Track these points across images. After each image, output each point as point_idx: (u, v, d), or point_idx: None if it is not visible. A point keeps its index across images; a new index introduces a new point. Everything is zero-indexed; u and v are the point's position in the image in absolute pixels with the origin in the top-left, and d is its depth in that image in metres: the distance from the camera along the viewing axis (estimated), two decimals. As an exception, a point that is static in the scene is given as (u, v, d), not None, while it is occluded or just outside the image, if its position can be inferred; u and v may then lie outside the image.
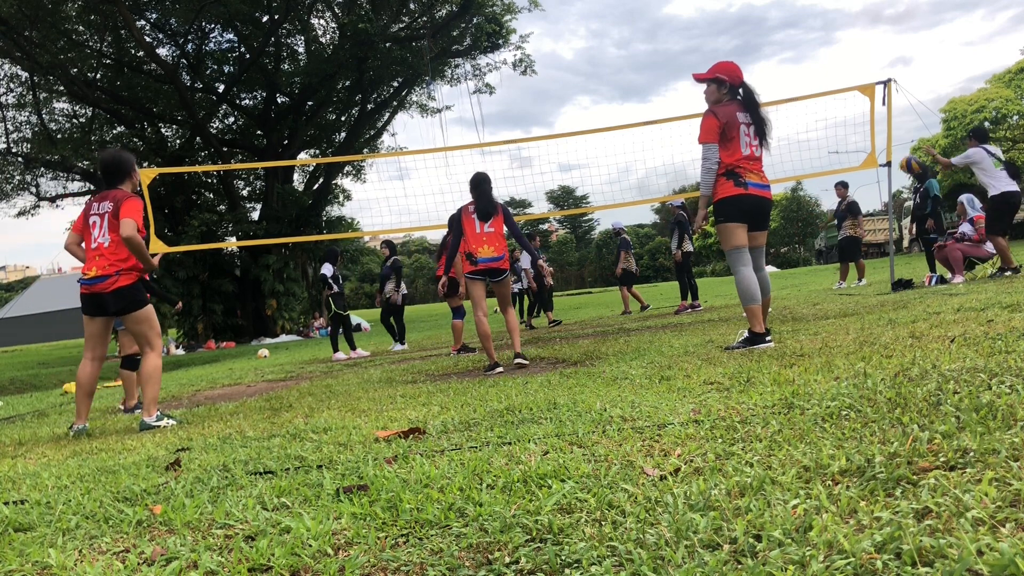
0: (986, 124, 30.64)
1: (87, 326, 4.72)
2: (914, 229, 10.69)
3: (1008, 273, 8.32)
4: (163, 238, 16.19)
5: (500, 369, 5.62)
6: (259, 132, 25.18)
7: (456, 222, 6.13)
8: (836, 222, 12.65)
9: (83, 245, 4.72)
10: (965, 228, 9.12)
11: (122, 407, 6.20)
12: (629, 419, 2.68)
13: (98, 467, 3.09)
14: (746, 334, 4.74)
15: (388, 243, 11.28)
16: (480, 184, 6.00)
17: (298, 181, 26.84)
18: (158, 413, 4.62)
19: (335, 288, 10.47)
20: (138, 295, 4.62)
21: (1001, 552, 1.18)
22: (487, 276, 5.95)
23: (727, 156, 4.78)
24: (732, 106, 4.79)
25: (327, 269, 10.53)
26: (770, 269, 9.68)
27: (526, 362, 5.79)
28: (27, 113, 23.06)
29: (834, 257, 39.96)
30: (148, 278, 4.86)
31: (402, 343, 11.03)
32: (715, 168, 4.80)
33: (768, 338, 4.64)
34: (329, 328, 12.12)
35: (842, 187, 12.34)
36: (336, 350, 10.59)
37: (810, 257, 51.41)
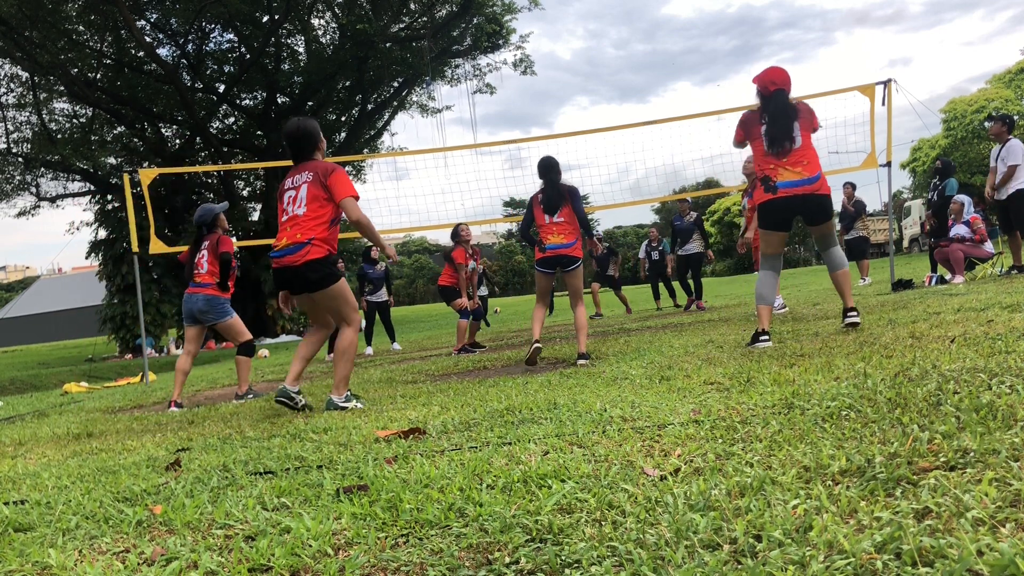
0: (986, 125, 30.62)
1: (300, 304, 4.44)
2: (928, 225, 10.65)
3: (1014, 271, 8.32)
4: (163, 238, 16.20)
5: (538, 346, 5.60)
6: (259, 132, 25.18)
7: (528, 208, 5.94)
8: (842, 222, 12.65)
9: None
10: (962, 230, 9.10)
11: (236, 395, 6.05)
12: (629, 419, 2.68)
13: (98, 467, 3.09)
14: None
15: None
16: (548, 171, 5.73)
17: (298, 181, 26.80)
18: (348, 393, 4.33)
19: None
20: (331, 268, 4.26)
21: (1001, 552, 1.18)
22: (556, 265, 5.69)
23: (758, 160, 4.86)
24: (757, 112, 4.91)
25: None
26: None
27: (585, 363, 5.29)
28: (27, 113, 23.07)
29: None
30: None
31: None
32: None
33: (763, 338, 4.67)
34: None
35: (850, 187, 12.36)
36: (369, 344, 11.11)
37: (810, 257, 51.39)
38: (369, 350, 11.00)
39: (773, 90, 4.88)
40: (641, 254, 13.87)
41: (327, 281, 4.25)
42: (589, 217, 6.15)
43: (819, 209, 4.79)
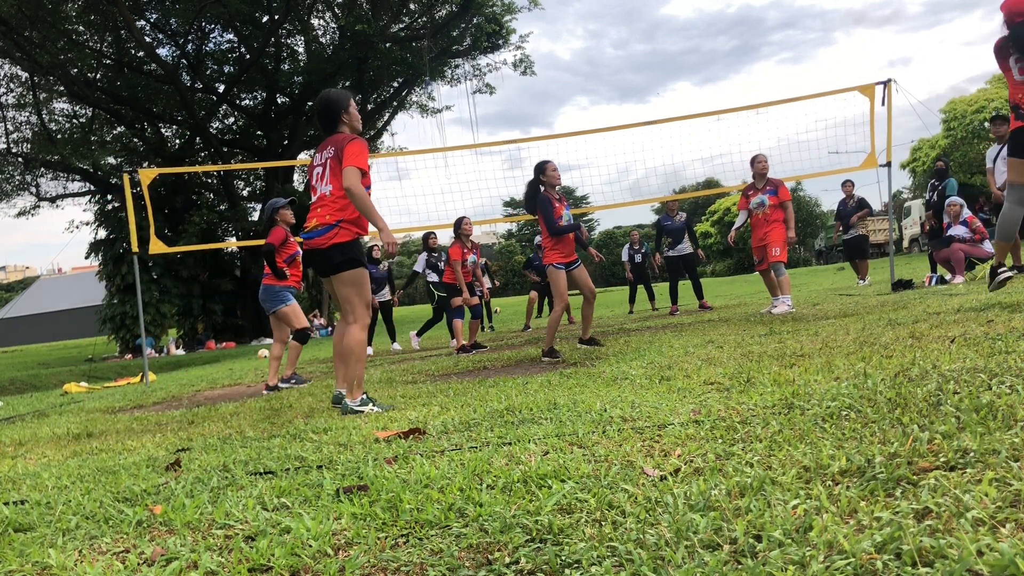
0: (986, 125, 30.64)
1: (326, 286, 4.35)
2: (927, 226, 10.66)
3: (1014, 272, 8.31)
4: (163, 238, 16.20)
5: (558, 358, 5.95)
6: (259, 132, 25.17)
7: None
8: (839, 220, 12.60)
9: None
10: (961, 230, 9.09)
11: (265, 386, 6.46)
12: (629, 419, 2.68)
13: (98, 467, 3.09)
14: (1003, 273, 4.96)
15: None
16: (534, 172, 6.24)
17: (298, 181, 26.82)
18: (363, 396, 4.12)
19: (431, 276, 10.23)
20: (355, 253, 4.14)
21: (1001, 552, 1.18)
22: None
23: (1012, 88, 4.81)
24: (1003, 41, 4.85)
25: (420, 264, 10.55)
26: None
27: (547, 359, 5.97)
28: (27, 113, 23.06)
29: (834, 257, 39.87)
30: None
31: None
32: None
33: (1001, 270, 4.78)
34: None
35: (850, 184, 12.33)
36: (454, 337, 10.91)
37: (810, 257, 51.37)
38: (369, 350, 10.99)
39: (1019, 21, 4.74)
40: (624, 257, 13.81)
41: (347, 265, 4.10)
42: (588, 217, 6.36)
43: None
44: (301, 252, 6.37)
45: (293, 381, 6.35)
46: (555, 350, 6.03)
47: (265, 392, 6.18)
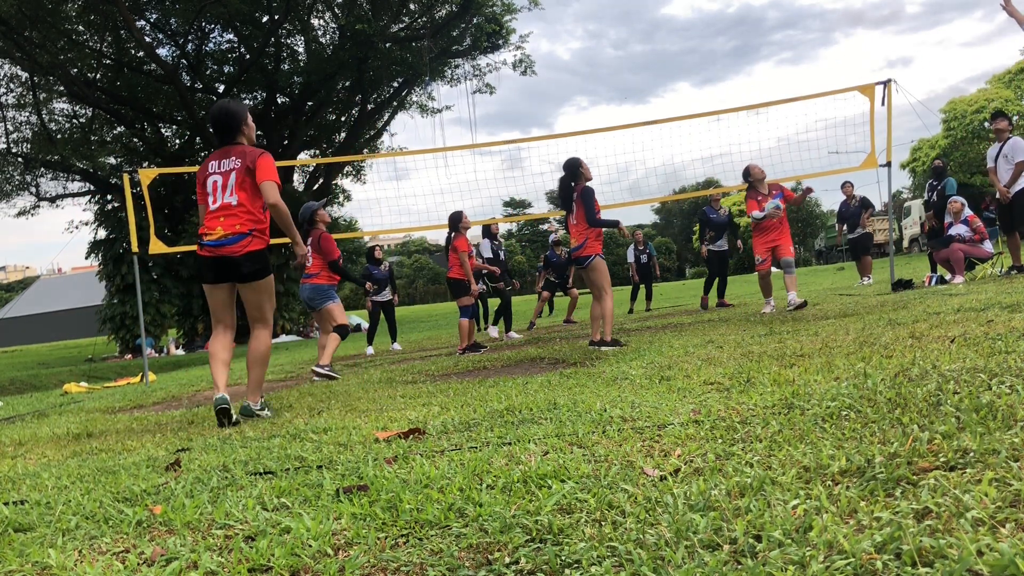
0: (986, 125, 30.62)
1: (212, 295, 4.24)
2: (928, 226, 10.70)
3: (1014, 272, 8.31)
4: (163, 238, 16.20)
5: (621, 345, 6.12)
6: (259, 132, 25.14)
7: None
8: (842, 221, 12.61)
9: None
10: (961, 229, 9.09)
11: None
12: (629, 419, 2.68)
13: (98, 467, 3.09)
14: None
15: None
16: (563, 173, 6.37)
17: (298, 181, 26.81)
18: (262, 400, 4.27)
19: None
20: (267, 261, 4.21)
21: (1001, 552, 1.18)
22: (575, 265, 6.61)
23: None
24: None
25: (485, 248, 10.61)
26: (773, 270, 9.58)
27: (607, 348, 6.05)
28: (27, 113, 23.05)
29: (834, 257, 39.87)
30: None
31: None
32: None
33: None
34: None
35: (850, 185, 12.37)
36: (370, 344, 11.32)
37: (810, 257, 51.35)
38: (370, 350, 10.99)
39: None
40: (630, 258, 13.75)
41: (262, 274, 4.18)
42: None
43: None
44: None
45: (326, 370, 6.76)
46: (618, 340, 6.27)
47: (315, 376, 6.73)
